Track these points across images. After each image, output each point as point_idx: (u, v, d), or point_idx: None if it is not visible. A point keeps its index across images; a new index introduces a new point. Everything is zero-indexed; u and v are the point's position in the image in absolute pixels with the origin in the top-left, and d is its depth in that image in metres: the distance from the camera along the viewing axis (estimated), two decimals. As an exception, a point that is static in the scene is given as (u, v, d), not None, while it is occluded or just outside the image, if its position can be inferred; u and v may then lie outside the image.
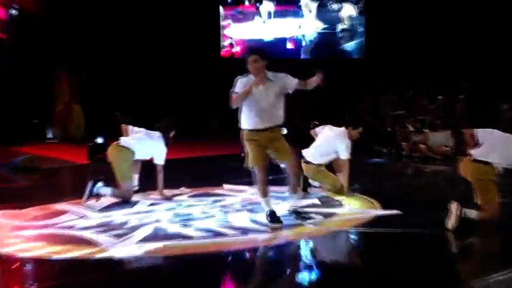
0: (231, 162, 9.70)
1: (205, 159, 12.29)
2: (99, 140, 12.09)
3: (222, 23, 19.89)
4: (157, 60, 17.55)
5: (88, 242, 5.92)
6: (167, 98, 16.80)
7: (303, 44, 20.18)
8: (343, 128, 8.35)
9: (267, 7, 19.61)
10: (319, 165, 8.19)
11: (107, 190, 7.69)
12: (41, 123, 16.73)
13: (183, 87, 17.79)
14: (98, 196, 7.66)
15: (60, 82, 16.74)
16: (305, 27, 20.00)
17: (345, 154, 8.06)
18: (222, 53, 19.94)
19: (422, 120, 13.03)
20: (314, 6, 19.69)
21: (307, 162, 8.20)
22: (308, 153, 8.28)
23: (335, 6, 20.02)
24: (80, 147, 13.17)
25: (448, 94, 13.74)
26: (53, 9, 16.45)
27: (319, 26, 19.97)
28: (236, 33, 20.01)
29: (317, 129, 8.68)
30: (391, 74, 16.78)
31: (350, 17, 19.96)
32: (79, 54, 16.47)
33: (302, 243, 6.05)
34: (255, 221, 6.67)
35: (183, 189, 8.50)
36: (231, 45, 19.93)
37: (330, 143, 8.26)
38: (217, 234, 6.17)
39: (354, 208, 7.39)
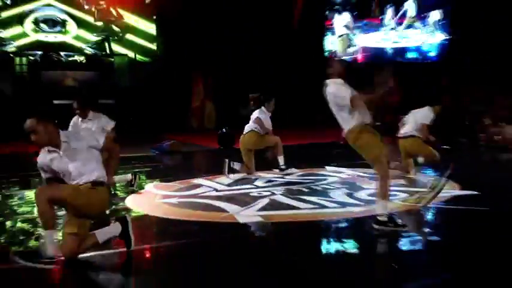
0: (332, 148, 9.67)
1: (312, 146, 12.30)
2: (225, 130, 12.32)
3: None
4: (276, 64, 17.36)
5: (218, 209, 6.11)
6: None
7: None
8: (426, 107, 8.14)
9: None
10: (419, 137, 8.05)
11: (239, 165, 8.02)
12: (183, 116, 17.10)
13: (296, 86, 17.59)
14: (233, 171, 7.94)
15: (197, 83, 17.10)
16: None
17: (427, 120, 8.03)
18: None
19: (499, 115, 12.44)
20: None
21: (411, 136, 8.05)
22: (407, 130, 8.15)
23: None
24: (212, 135, 13.46)
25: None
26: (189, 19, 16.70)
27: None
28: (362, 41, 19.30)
29: (404, 118, 8.45)
30: (471, 74, 16.06)
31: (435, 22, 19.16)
32: (212, 59, 16.70)
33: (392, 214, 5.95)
34: (351, 196, 6.68)
35: (293, 170, 8.56)
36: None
37: (417, 119, 8.09)
38: (321, 206, 6.22)
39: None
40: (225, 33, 16.69)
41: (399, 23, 19.14)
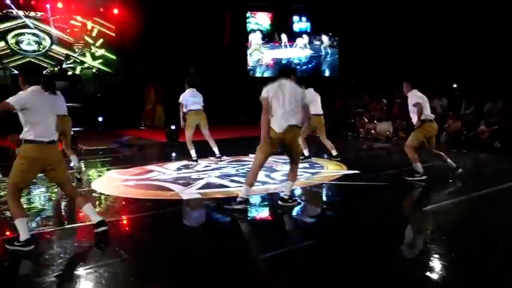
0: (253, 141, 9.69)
1: (238, 139, 12.34)
2: (172, 127, 12.14)
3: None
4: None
5: (167, 189, 6.04)
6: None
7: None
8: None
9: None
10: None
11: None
12: (138, 117, 16.76)
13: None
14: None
15: (149, 90, 16.75)
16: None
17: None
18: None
19: (373, 115, 12.96)
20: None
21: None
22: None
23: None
24: (161, 132, 13.24)
25: (389, 98, 13.63)
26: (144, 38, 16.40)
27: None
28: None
29: None
30: (355, 85, 16.65)
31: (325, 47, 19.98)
32: (161, 71, 16.39)
33: (298, 190, 6.11)
34: (269, 177, 6.77)
35: (224, 157, 8.55)
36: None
37: None
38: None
39: (330, 169, 7.45)
40: (170, 50, 16.40)
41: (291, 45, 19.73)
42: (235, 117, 17.47)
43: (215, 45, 17.65)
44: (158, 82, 16.73)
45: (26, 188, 4.22)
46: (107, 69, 17.78)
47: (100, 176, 7.25)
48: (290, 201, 5.10)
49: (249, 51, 19.27)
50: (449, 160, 6.58)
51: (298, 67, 19.31)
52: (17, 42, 16.59)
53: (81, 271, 3.34)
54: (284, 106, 4.74)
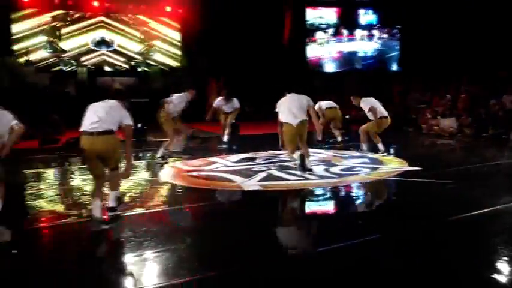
0: (312, 135, 9.58)
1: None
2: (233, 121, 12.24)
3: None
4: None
5: (228, 180, 6.14)
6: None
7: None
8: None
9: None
10: None
11: None
12: (201, 110, 17.10)
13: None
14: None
15: (212, 85, 17.07)
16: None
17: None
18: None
19: (436, 110, 12.40)
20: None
21: None
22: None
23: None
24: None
25: (454, 93, 12.95)
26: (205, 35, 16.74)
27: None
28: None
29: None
30: (417, 80, 15.98)
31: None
32: (223, 67, 16.62)
33: (358, 185, 5.98)
34: (327, 171, 6.69)
35: (283, 151, 8.51)
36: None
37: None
38: (304, 178, 6.23)
39: (390, 165, 7.22)
40: (231, 48, 16.59)
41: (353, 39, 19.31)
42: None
43: (274, 42, 17.66)
44: (220, 77, 17.02)
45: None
46: (172, 65, 18.40)
47: (166, 166, 7.47)
48: None
49: (310, 47, 19.09)
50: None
51: (363, 61, 19.00)
52: (92, 41, 17.55)
53: (149, 254, 3.47)
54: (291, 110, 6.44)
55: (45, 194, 5.61)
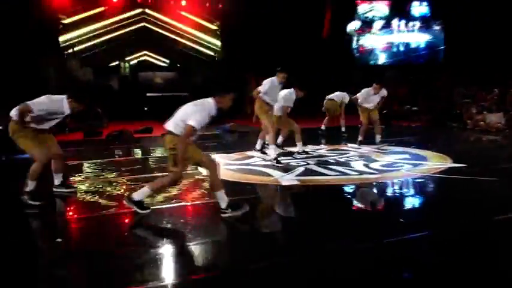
0: (351, 130, 9.39)
1: (336, 129, 12.06)
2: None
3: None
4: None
5: (266, 174, 6.11)
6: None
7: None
8: None
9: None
10: None
11: None
12: (239, 105, 17.19)
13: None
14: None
15: (251, 79, 17.09)
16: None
17: None
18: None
19: (482, 105, 11.87)
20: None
21: None
22: None
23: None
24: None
25: (501, 88, 12.36)
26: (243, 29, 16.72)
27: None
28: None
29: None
30: (462, 74, 15.35)
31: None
32: (259, 61, 16.61)
33: (399, 182, 5.79)
34: (367, 166, 6.54)
35: (322, 146, 8.44)
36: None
37: None
38: (343, 173, 6.11)
39: (434, 161, 6.96)
40: (267, 41, 16.52)
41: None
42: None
43: (315, 37, 17.46)
44: (259, 71, 17.03)
45: None
46: (212, 55, 18.51)
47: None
48: None
49: (361, 38, 18.78)
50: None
51: (413, 53, 18.53)
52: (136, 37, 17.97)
53: (188, 245, 3.50)
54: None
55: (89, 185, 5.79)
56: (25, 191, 4.74)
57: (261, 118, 7.14)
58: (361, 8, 18.70)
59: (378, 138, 8.16)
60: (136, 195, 4.24)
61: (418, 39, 18.82)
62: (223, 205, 4.14)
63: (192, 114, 4.03)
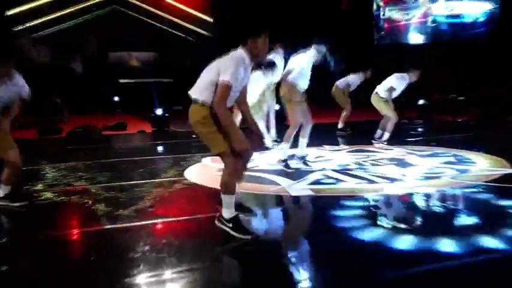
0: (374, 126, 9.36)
1: (360, 124, 12.05)
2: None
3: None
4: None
5: (271, 182, 6.10)
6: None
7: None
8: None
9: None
10: None
11: None
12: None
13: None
14: None
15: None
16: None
17: None
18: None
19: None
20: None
21: None
22: None
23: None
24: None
25: None
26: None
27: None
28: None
29: None
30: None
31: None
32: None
33: (441, 192, 5.77)
34: (399, 172, 6.53)
35: (342, 146, 8.45)
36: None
37: None
38: (369, 181, 6.10)
39: (484, 166, 6.94)
40: (271, 13, 16.58)
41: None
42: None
43: (332, 9, 17.53)
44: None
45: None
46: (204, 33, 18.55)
47: (194, 163, 7.55)
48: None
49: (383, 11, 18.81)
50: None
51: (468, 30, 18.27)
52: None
53: (169, 274, 3.51)
54: None
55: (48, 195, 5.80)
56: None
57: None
58: None
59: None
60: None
61: (470, 9, 18.30)
62: (224, 214, 4.09)
63: (223, 70, 3.94)
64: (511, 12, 17.04)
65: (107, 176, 6.93)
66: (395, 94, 8.42)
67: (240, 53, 4.08)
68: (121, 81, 16.35)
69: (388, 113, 8.44)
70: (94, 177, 6.89)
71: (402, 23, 18.87)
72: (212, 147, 4.09)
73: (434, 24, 18.64)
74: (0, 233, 4.72)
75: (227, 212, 4.08)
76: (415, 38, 18.84)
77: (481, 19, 18.10)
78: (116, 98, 15.86)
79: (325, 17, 16.85)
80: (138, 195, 5.82)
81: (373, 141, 8.54)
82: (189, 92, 4.15)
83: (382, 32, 18.97)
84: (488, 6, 17.86)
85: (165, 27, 18.74)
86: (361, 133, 10.21)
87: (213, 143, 4.06)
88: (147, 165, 7.74)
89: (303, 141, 6.99)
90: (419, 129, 11.48)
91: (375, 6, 18.90)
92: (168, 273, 3.51)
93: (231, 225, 4.05)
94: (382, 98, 8.50)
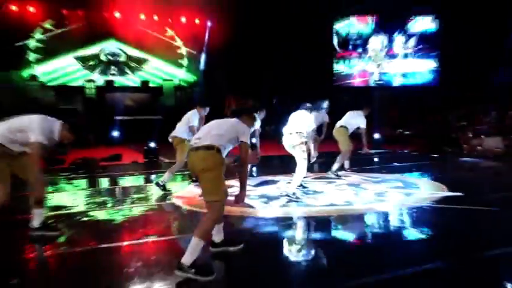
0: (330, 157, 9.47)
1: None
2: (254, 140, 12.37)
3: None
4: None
5: (247, 205, 5.99)
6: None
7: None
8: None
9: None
10: None
11: None
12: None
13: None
14: None
15: (229, 104, 17.28)
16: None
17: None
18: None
19: (479, 129, 12.19)
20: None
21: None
22: None
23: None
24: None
25: (500, 110, 12.74)
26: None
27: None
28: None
29: None
30: (457, 98, 15.80)
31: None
32: (240, 84, 16.86)
33: (391, 212, 5.85)
34: (356, 196, 6.59)
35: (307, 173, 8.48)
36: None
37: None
38: (331, 204, 6.13)
39: (427, 190, 7.07)
40: (252, 63, 16.83)
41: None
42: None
43: (299, 57, 17.86)
44: (237, 95, 17.27)
45: None
46: (189, 80, 18.74)
47: (180, 189, 7.50)
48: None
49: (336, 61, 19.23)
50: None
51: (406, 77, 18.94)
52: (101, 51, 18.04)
53: None
54: None
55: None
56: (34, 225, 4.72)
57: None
58: (339, 26, 19.18)
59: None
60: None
61: (414, 67, 19.18)
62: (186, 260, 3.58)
63: (242, 133, 3.96)
64: (448, 68, 17.80)
65: (98, 202, 6.84)
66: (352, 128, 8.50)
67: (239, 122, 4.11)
68: (117, 118, 16.30)
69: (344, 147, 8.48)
70: (89, 201, 6.79)
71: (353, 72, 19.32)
72: (213, 194, 3.76)
73: (382, 79, 19.20)
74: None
75: (190, 258, 3.55)
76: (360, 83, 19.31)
77: (426, 74, 19.20)
78: (115, 133, 15.76)
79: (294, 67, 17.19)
80: (129, 216, 5.76)
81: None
82: (198, 141, 3.87)
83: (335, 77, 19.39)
84: (433, 64, 19.10)
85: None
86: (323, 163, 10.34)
87: (215, 190, 3.76)
88: (139, 191, 7.66)
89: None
90: (375, 159, 11.64)
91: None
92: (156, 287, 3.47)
93: (193, 270, 3.53)
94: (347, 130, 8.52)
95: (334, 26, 19.15)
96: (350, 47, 19.25)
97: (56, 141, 4.77)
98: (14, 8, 16.16)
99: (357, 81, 19.31)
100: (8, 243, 4.67)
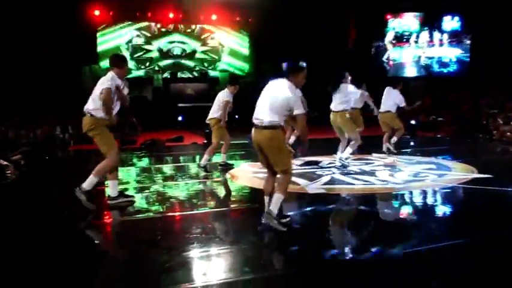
0: (374, 140, 9.22)
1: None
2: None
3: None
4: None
5: (293, 182, 5.96)
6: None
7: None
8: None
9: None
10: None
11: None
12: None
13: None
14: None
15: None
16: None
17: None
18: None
19: (509, 116, 11.50)
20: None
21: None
22: None
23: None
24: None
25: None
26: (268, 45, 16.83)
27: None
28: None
29: None
30: (488, 84, 14.94)
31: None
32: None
33: (424, 192, 5.67)
34: (392, 176, 6.42)
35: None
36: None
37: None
38: (369, 182, 6.02)
39: (458, 172, 6.78)
40: (296, 51, 16.54)
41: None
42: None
43: (339, 49, 17.44)
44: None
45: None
46: (239, 72, 18.77)
47: (235, 167, 7.50)
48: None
49: (392, 51, 18.69)
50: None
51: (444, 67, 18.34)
52: (168, 50, 18.32)
53: (215, 251, 3.53)
54: None
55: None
56: (83, 188, 4.56)
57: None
58: (392, 22, 18.63)
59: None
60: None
61: (448, 53, 18.47)
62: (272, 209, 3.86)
63: (294, 104, 3.80)
64: (478, 56, 16.87)
65: (164, 177, 7.03)
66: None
67: (289, 84, 3.91)
68: (180, 105, 16.60)
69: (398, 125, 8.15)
70: (156, 176, 7.01)
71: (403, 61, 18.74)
72: (281, 165, 3.87)
73: (425, 63, 18.57)
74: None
75: (274, 208, 3.86)
76: (410, 72, 18.64)
77: (453, 59, 18.39)
78: (179, 118, 16.06)
79: (333, 55, 16.77)
80: (189, 190, 5.91)
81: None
82: (259, 117, 3.88)
83: (388, 67, 18.83)
84: (458, 51, 18.30)
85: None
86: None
87: (282, 161, 3.87)
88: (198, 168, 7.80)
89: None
90: (411, 143, 11.26)
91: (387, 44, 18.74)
92: (214, 250, 3.55)
93: (275, 221, 3.85)
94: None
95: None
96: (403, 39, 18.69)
97: (118, 83, 4.71)
98: (96, 12, 16.52)
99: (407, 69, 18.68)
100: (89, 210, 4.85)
